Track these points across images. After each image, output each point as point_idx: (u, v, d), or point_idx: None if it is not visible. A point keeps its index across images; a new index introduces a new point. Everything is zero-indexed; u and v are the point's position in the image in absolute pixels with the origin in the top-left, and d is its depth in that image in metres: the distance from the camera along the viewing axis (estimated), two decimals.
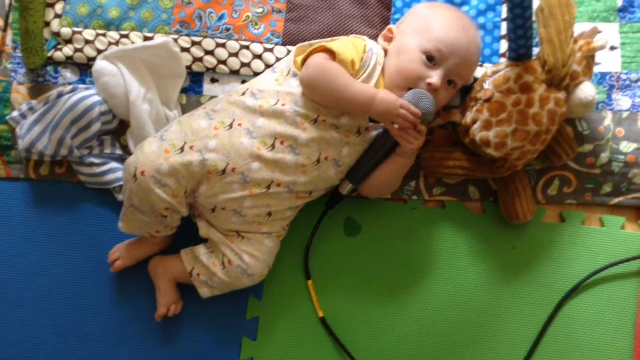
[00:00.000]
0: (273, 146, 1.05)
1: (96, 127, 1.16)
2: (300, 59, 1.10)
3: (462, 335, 1.16)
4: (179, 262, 1.13)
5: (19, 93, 1.24)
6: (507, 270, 1.18)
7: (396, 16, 1.23)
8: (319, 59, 1.06)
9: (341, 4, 1.24)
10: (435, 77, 1.05)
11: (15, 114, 1.21)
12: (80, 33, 1.23)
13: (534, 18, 1.04)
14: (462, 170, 1.15)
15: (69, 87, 1.21)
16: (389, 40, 1.13)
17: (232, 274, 1.09)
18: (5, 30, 1.27)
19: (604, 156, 1.18)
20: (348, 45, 1.08)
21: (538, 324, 1.16)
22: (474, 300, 1.17)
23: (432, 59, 1.06)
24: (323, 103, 1.05)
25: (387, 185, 1.13)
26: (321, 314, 1.17)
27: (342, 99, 1.03)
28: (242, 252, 1.09)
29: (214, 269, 1.09)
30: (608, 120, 1.19)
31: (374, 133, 1.09)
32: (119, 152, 1.21)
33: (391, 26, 1.14)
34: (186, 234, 1.15)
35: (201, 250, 1.12)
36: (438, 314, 1.17)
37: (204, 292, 1.12)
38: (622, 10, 1.22)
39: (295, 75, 1.09)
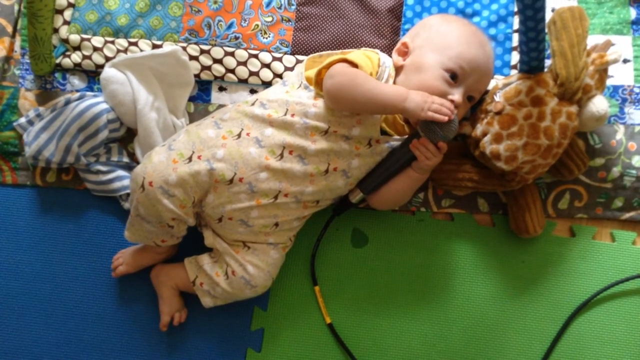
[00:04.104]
0: (281, 155, 1.04)
1: (103, 134, 1.16)
2: (311, 72, 1.08)
3: (469, 349, 1.15)
4: (181, 270, 1.12)
5: (27, 99, 1.24)
6: (516, 284, 1.17)
7: (406, 26, 1.22)
8: (342, 67, 1.04)
9: (351, 14, 1.23)
10: (456, 94, 1.05)
11: (22, 120, 1.21)
12: (88, 40, 1.23)
13: (546, 30, 1.03)
14: (472, 183, 1.13)
15: (77, 94, 1.20)
16: (404, 54, 1.11)
17: (235, 284, 1.08)
18: (13, 36, 1.26)
19: (616, 170, 1.17)
20: (364, 58, 1.07)
21: (547, 339, 1.14)
22: (481, 314, 1.16)
23: (454, 77, 1.05)
24: (351, 110, 1.04)
25: (397, 199, 1.12)
26: (329, 320, 1.16)
27: (375, 99, 1.02)
28: (247, 263, 1.08)
29: (216, 279, 1.08)
30: (620, 134, 1.18)
31: (385, 145, 1.08)
32: (125, 159, 1.20)
33: (405, 40, 1.12)
34: (191, 243, 1.14)
35: (205, 260, 1.11)
36: (445, 327, 1.16)
37: (206, 302, 1.11)
38: (635, 22, 1.20)
39: (306, 87, 1.08)
